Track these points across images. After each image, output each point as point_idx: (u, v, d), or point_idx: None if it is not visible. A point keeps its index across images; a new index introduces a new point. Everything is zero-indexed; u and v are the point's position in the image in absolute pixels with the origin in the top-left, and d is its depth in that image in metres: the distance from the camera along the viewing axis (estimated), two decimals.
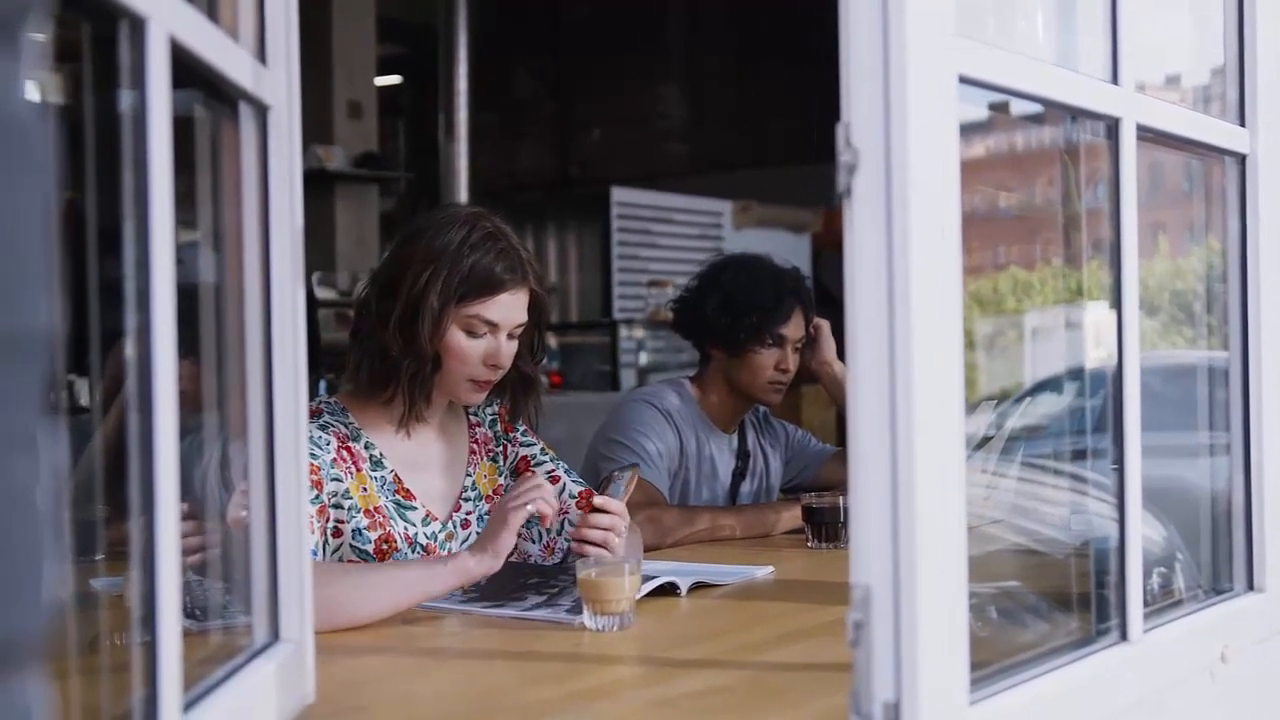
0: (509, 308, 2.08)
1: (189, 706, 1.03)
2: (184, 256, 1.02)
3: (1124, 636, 1.43)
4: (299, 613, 1.32)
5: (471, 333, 2.07)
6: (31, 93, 0.50)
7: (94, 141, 1.00)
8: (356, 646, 1.73)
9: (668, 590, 2.01)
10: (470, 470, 2.23)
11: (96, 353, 1.04)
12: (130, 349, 0.96)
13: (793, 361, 2.89)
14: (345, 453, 2.06)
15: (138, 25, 0.94)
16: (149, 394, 0.95)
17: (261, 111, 1.28)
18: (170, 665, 0.96)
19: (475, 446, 2.25)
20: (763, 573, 2.24)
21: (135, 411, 0.95)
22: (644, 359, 7.32)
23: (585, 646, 1.71)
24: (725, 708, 1.42)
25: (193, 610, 1.27)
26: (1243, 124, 1.71)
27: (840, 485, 2.82)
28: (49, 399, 0.50)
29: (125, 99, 0.96)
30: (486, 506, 2.21)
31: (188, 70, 1.05)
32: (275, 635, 1.31)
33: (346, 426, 2.10)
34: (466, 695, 1.52)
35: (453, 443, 2.23)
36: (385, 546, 2.05)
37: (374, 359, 2.09)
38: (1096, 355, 1.80)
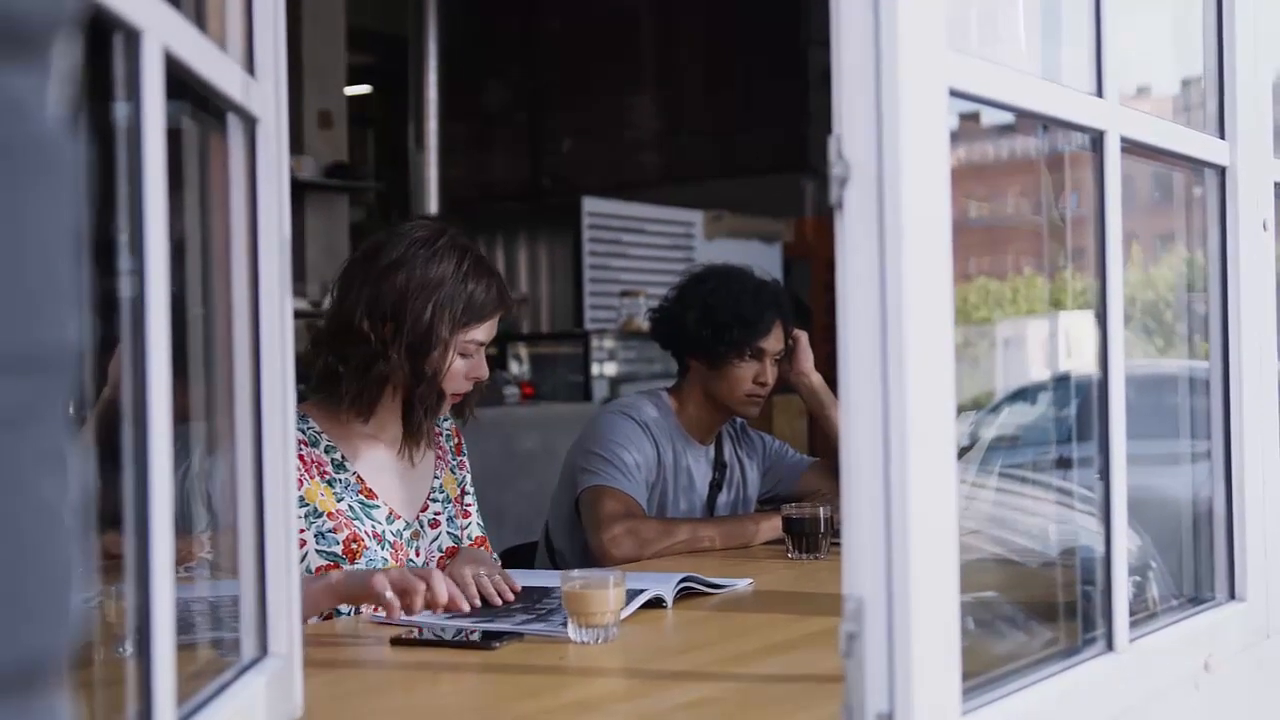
0: (495, 327, 2.22)
1: None
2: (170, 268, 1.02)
3: (1110, 646, 1.44)
4: (287, 627, 1.31)
5: (465, 354, 2.18)
6: (60, 109, 0.50)
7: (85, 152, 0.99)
8: (344, 661, 1.72)
9: (652, 602, 2.01)
10: (437, 473, 2.31)
11: (89, 366, 1.03)
12: (122, 361, 0.95)
13: (771, 374, 2.89)
14: (298, 460, 2.08)
15: (133, 37, 0.93)
16: (143, 407, 0.94)
17: (250, 123, 1.27)
18: (164, 683, 0.95)
19: (440, 452, 2.34)
20: (742, 584, 2.24)
21: (129, 424, 0.94)
22: (616, 369, 7.30)
23: (571, 659, 1.70)
24: (717, 719, 1.41)
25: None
26: (1222, 136, 1.72)
27: (818, 495, 2.82)
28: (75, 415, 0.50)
29: (119, 110, 0.95)
30: (453, 509, 2.31)
31: (178, 82, 1.04)
32: (264, 650, 1.30)
33: (304, 432, 2.15)
34: (454, 710, 1.51)
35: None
36: (355, 546, 2.11)
37: (372, 383, 2.14)
38: (1071, 365, 1.81)
